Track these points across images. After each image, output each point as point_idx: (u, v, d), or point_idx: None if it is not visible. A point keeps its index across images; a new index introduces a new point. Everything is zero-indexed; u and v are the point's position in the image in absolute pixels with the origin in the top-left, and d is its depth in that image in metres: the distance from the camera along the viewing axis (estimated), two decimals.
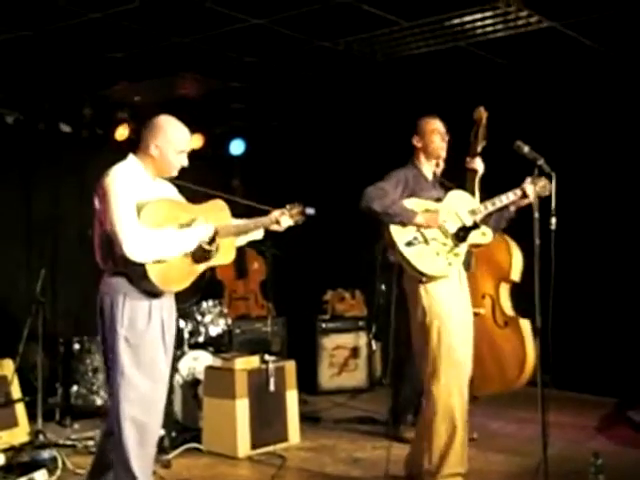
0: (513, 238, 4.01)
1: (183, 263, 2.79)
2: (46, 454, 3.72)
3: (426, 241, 3.28)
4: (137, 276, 2.72)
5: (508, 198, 3.38)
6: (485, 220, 3.41)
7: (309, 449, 4.22)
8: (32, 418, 4.35)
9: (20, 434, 4.23)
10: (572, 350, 5.01)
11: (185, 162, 2.89)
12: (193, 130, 7.25)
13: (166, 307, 2.86)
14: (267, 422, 4.17)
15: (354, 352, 5.85)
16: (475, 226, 3.35)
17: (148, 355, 2.76)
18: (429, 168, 3.50)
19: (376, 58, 5.00)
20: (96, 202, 2.76)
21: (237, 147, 6.66)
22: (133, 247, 2.64)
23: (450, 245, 3.31)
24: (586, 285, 5.23)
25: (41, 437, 4.15)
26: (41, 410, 4.33)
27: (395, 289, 4.65)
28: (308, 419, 4.77)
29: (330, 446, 4.27)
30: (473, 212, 3.37)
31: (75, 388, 4.93)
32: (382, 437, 4.37)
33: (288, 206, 3.18)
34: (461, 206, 3.39)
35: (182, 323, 4.80)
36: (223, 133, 6.65)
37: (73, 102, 5.68)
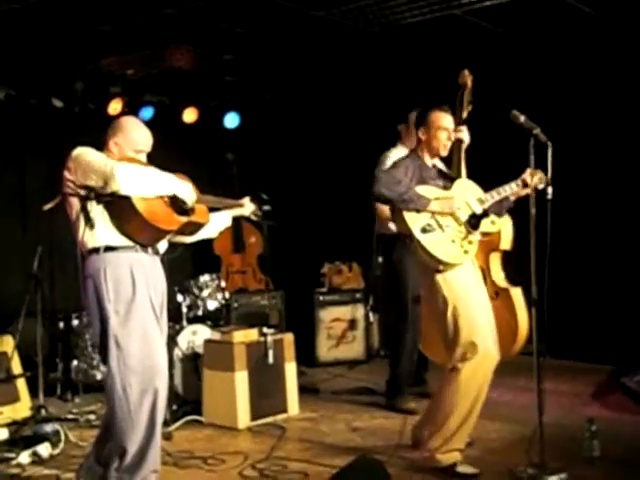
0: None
1: (166, 210, 2.88)
2: (49, 428, 3.76)
3: (441, 228, 3.26)
4: (125, 214, 2.78)
5: (511, 188, 3.37)
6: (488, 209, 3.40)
7: (308, 420, 4.27)
8: (33, 393, 4.39)
9: (22, 409, 4.27)
10: (567, 319, 5.05)
11: (144, 161, 2.97)
12: (187, 103, 7.22)
13: (149, 271, 2.91)
14: (266, 394, 4.22)
15: (352, 324, 5.89)
16: (485, 214, 3.35)
17: (140, 322, 2.83)
18: (430, 160, 3.48)
19: (370, 27, 4.95)
20: (67, 175, 2.83)
21: (231, 120, 6.62)
22: (122, 174, 2.71)
23: (464, 233, 3.29)
24: (581, 254, 5.25)
25: (43, 412, 4.20)
26: (42, 385, 4.37)
27: (383, 260, 4.67)
28: (307, 390, 4.81)
29: (329, 416, 4.32)
30: (481, 201, 3.36)
31: (75, 363, 4.96)
32: (380, 407, 4.43)
33: (249, 197, 3.38)
34: (469, 194, 3.37)
35: (180, 297, 4.82)
36: (217, 106, 6.60)
37: (65, 77, 5.62)
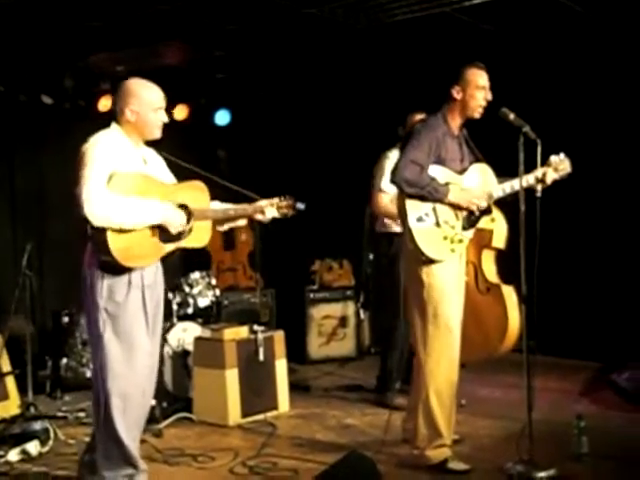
0: (498, 204, 4.02)
1: (149, 241, 2.77)
2: (38, 425, 3.74)
3: (437, 223, 3.21)
4: (99, 248, 2.70)
5: (528, 182, 3.24)
6: None
7: (299, 417, 4.27)
8: (22, 391, 4.36)
9: (11, 407, 4.25)
10: (557, 316, 5.08)
11: (165, 118, 2.89)
12: (178, 100, 7.21)
13: (148, 277, 2.86)
14: (257, 391, 4.22)
15: (342, 321, 5.89)
16: (488, 210, 3.30)
17: (127, 326, 2.80)
18: (458, 123, 3.31)
19: (361, 25, 4.95)
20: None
21: (222, 117, 6.61)
22: (93, 207, 2.61)
23: (458, 229, 3.25)
24: (570, 251, 5.28)
25: (32, 409, 4.18)
26: (31, 383, 4.35)
27: (377, 257, 4.68)
28: (297, 388, 4.82)
29: (320, 414, 4.33)
30: (490, 196, 3.29)
31: (65, 361, 4.94)
32: (371, 404, 4.44)
33: (277, 198, 3.13)
34: (480, 184, 3.30)
35: (170, 295, 4.80)
36: (208, 103, 6.58)
37: (54, 73, 5.58)
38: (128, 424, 2.85)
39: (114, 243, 2.67)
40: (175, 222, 2.80)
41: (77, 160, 2.73)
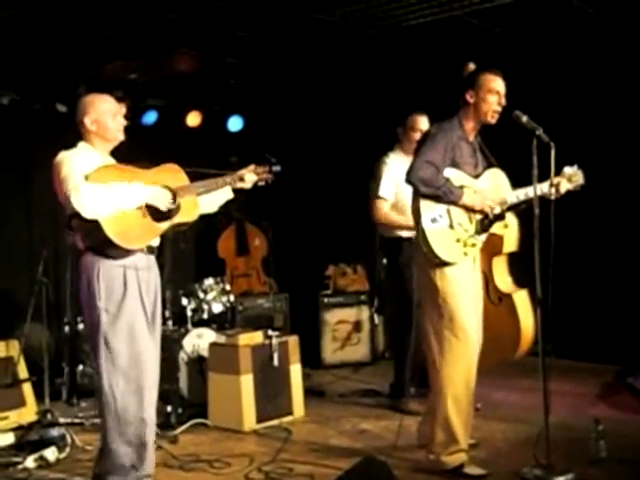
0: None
1: (142, 222, 2.88)
2: (55, 432, 3.77)
3: (451, 225, 3.21)
4: (98, 240, 2.79)
5: (542, 190, 3.23)
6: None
7: (314, 422, 4.27)
8: (40, 398, 4.40)
9: (28, 413, 4.28)
10: (573, 319, 5.04)
11: (124, 121, 3.04)
12: (191, 107, 7.23)
13: (143, 272, 2.93)
14: (272, 396, 4.22)
15: (357, 326, 5.89)
16: (501, 216, 3.29)
17: (128, 322, 2.87)
18: (473, 128, 3.32)
19: (372, 30, 4.96)
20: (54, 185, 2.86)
21: (235, 124, 6.64)
22: (81, 199, 2.72)
23: (471, 232, 3.24)
24: (586, 254, 5.24)
25: (49, 416, 4.20)
26: (48, 390, 4.38)
27: (388, 263, 4.68)
28: (312, 393, 4.81)
29: (334, 419, 4.32)
30: (503, 202, 3.29)
31: (81, 367, 4.98)
32: (385, 409, 4.42)
33: (253, 164, 3.31)
34: (494, 190, 3.29)
35: (185, 301, 4.83)
36: (221, 110, 6.62)
37: (68, 82, 5.64)
38: (147, 419, 2.88)
39: (110, 228, 2.77)
40: (162, 199, 2.92)
41: (54, 173, 2.84)
